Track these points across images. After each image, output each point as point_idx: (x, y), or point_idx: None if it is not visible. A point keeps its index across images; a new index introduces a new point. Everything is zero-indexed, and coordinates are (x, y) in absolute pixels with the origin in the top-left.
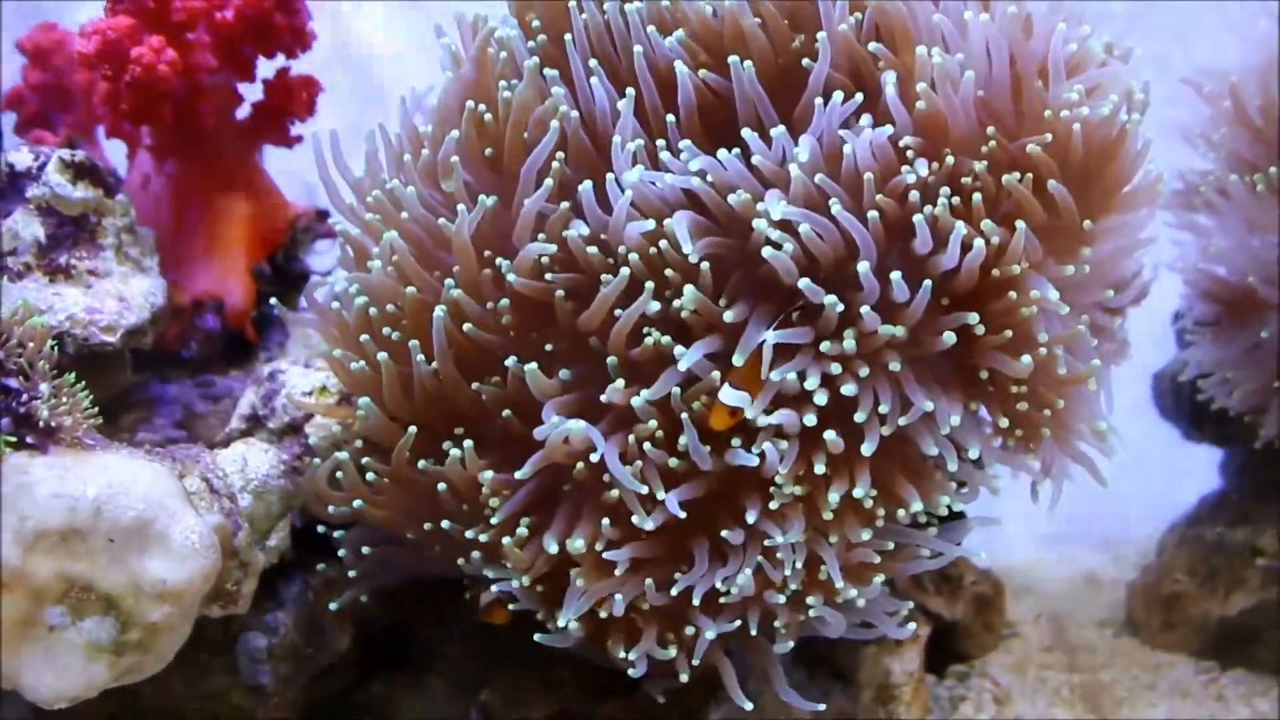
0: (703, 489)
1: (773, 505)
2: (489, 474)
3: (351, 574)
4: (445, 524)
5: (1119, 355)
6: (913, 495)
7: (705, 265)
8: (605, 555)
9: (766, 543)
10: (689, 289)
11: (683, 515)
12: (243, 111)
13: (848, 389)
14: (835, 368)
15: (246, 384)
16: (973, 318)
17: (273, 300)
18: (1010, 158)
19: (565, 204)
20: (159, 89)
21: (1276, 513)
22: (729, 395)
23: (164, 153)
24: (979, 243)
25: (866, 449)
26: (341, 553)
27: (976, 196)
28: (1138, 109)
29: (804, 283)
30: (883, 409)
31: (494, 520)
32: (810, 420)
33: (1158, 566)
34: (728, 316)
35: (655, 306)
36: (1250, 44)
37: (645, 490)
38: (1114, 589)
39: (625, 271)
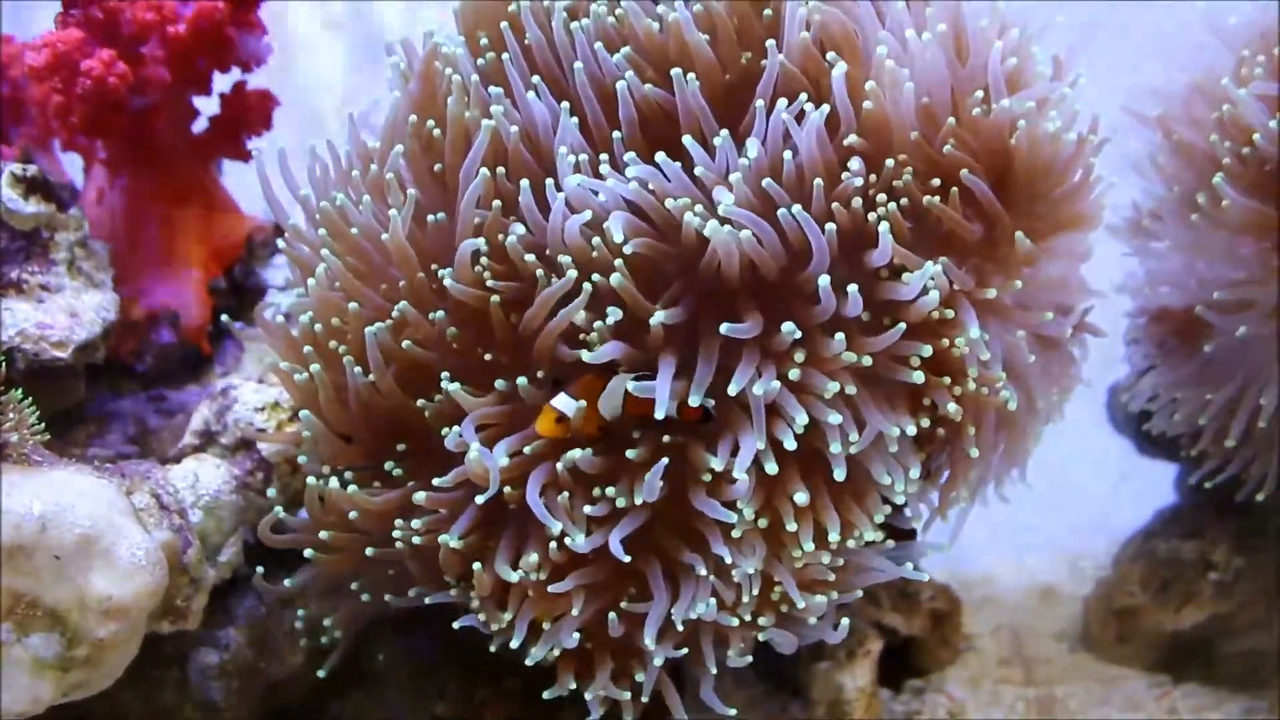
0: (647, 514)
1: (735, 534)
2: (421, 495)
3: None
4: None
5: (1066, 377)
6: (865, 522)
7: (620, 259)
8: (550, 589)
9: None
10: (615, 276)
11: (627, 559)
12: (199, 125)
13: (833, 418)
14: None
15: (201, 399)
16: (926, 350)
17: (224, 316)
18: (940, 169)
19: (498, 204)
20: (110, 102)
21: (1229, 527)
22: (561, 401)
23: (118, 166)
24: (934, 294)
25: (838, 474)
26: (299, 613)
27: (894, 207)
28: (1092, 138)
29: (726, 328)
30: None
31: (440, 539)
32: (771, 467)
33: (1112, 580)
34: (659, 317)
35: (581, 316)
36: (1193, 62)
37: (558, 529)
38: (1071, 602)
39: (572, 274)
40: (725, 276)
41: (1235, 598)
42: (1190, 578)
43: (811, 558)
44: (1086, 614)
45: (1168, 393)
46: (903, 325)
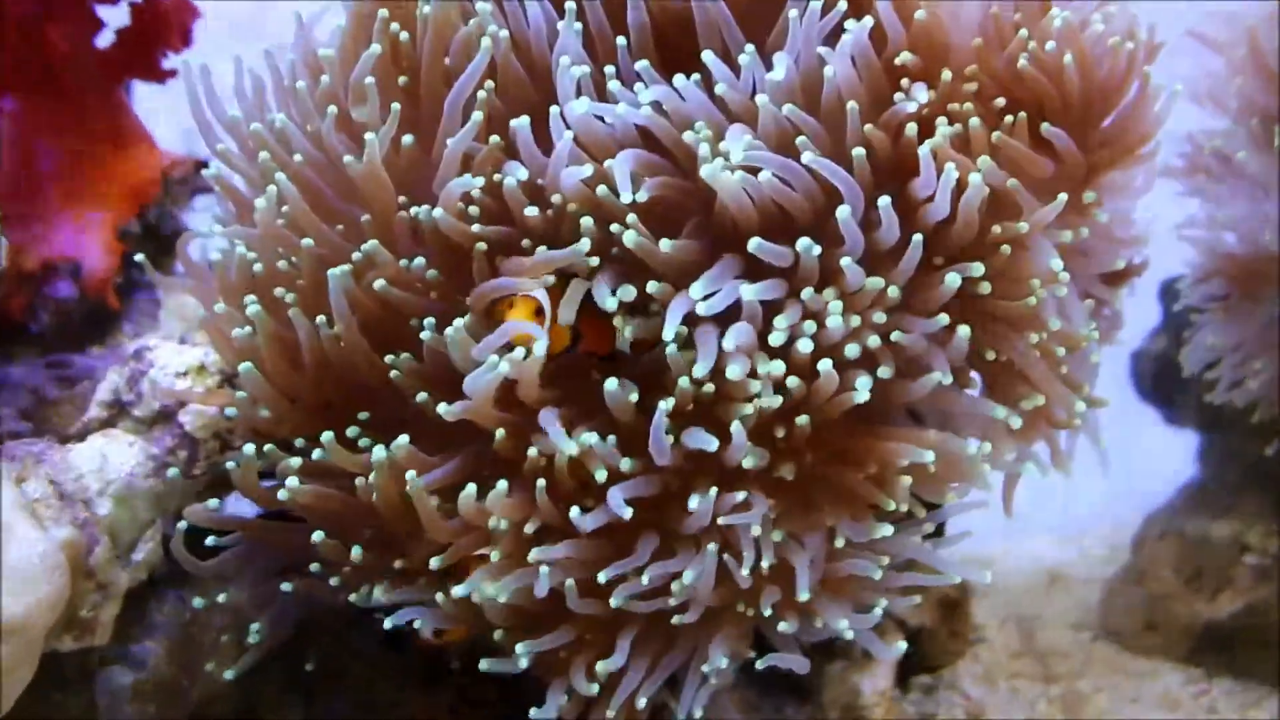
0: (657, 486)
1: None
2: (403, 440)
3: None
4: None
5: (1111, 333)
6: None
7: (631, 216)
8: (533, 556)
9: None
10: (629, 234)
11: (628, 515)
12: (104, 40)
13: (851, 350)
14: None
15: (110, 363)
16: (976, 269)
17: (139, 257)
18: (1006, 89)
19: (495, 138)
20: None
21: (1263, 504)
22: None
23: (5, 88)
24: (975, 178)
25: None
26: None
27: (975, 122)
28: (1147, 50)
29: (755, 243)
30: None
31: (409, 490)
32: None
33: (1137, 564)
34: (665, 245)
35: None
36: None
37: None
38: (1082, 587)
39: (584, 245)
40: (743, 223)
41: (1275, 583)
42: (1224, 562)
43: (855, 532)
44: (1107, 601)
45: (1231, 354)
46: (917, 239)
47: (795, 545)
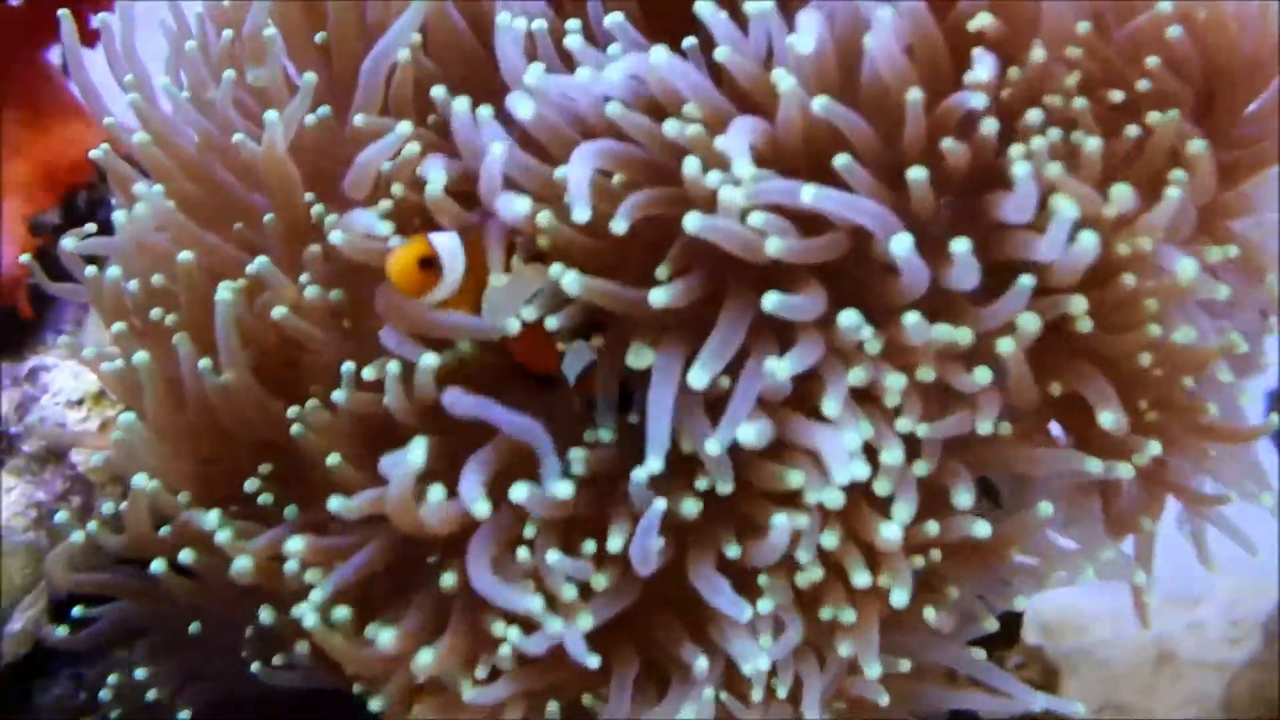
0: (634, 595)
1: (763, 606)
2: (298, 542)
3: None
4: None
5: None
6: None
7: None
8: (467, 697)
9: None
10: (570, 277)
11: (595, 664)
12: None
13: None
14: None
15: (5, 386)
16: (1078, 304)
17: (24, 257)
18: (1120, 78)
19: (414, 146)
20: None
21: None
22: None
23: None
24: (1089, 239)
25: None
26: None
27: (1093, 143)
28: None
29: (773, 301)
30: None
31: (312, 600)
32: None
33: (1265, 660)
34: (658, 297)
35: None
36: None
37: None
38: (1198, 674)
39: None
40: (754, 260)
41: None
42: None
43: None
44: (1232, 703)
45: None
46: (1026, 281)
47: (814, 662)
